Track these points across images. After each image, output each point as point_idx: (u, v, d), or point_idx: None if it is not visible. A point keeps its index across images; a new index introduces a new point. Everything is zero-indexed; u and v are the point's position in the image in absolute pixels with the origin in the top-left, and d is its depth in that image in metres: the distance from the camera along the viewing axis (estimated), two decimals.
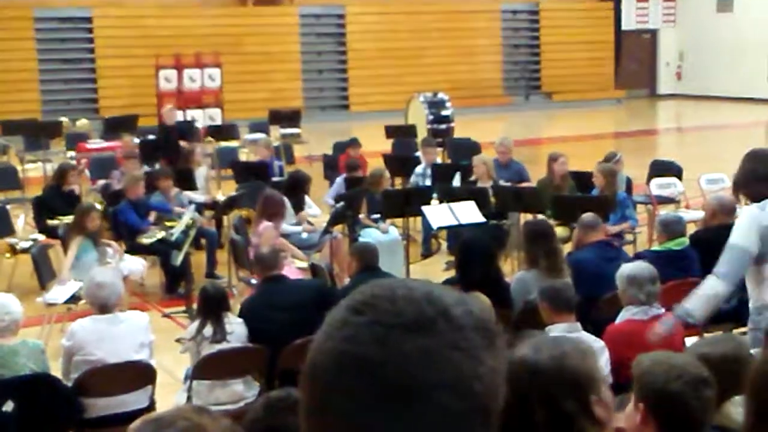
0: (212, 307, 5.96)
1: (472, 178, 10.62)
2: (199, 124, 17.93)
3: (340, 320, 1.12)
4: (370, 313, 1.10)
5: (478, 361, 1.10)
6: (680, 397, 2.71)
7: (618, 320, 5.56)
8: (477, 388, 1.09)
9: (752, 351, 3.29)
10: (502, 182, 10.56)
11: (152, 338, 5.90)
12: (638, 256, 7.10)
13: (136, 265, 8.98)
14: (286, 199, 9.20)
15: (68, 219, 9.83)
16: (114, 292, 5.76)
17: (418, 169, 11.71)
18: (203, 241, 10.26)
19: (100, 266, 8.21)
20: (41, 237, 9.78)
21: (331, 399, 1.10)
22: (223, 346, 5.86)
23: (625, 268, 5.58)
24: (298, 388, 1.16)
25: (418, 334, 1.08)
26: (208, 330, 5.88)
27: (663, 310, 5.52)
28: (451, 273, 8.36)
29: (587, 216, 7.36)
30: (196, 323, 6.00)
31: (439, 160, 13.17)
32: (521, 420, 2.22)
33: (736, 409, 2.88)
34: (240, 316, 6.24)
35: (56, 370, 5.65)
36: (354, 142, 12.89)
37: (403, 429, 1.07)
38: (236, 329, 5.97)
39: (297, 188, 9.94)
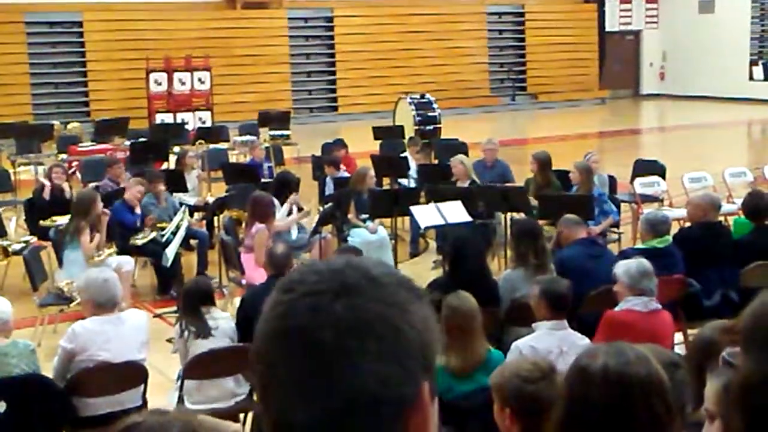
0: (192, 302, 6.01)
1: (453, 178, 10.76)
2: (189, 127, 18.05)
3: (273, 302, 1.19)
4: (298, 288, 1.17)
5: (405, 311, 1.16)
6: None
7: (618, 308, 5.68)
8: (410, 335, 1.15)
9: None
10: (485, 182, 10.73)
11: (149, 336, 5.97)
12: (623, 254, 7.19)
13: (126, 259, 9.06)
14: (275, 200, 9.29)
15: (60, 220, 9.95)
16: (118, 288, 5.79)
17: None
18: (194, 242, 10.36)
19: (86, 261, 8.32)
20: (33, 239, 9.84)
21: (277, 373, 1.15)
22: (211, 342, 5.88)
23: (631, 264, 5.71)
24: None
25: (346, 297, 1.14)
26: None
27: (660, 305, 5.67)
28: (440, 272, 8.49)
29: (570, 217, 7.46)
30: (181, 322, 6.04)
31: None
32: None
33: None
34: (241, 307, 6.30)
35: (48, 371, 5.63)
36: (339, 143, 13.11)
37: (343, 384, 1.12)
38: (221, 324, 5.99)
39: (285, 189, 10.04)
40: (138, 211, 9.74)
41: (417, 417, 1.16)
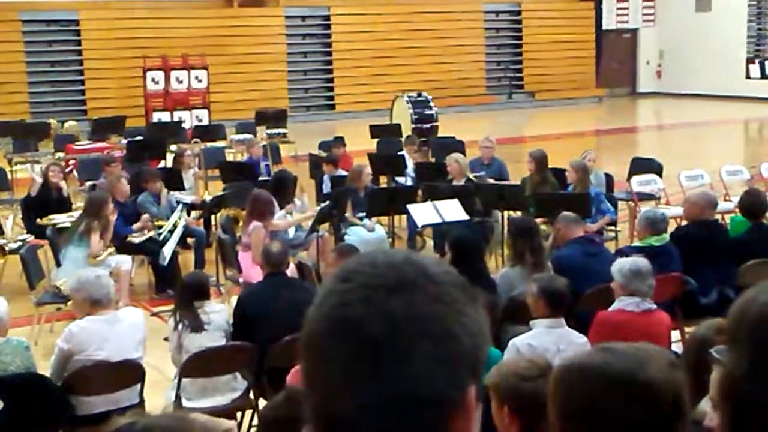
0: (187, 296, 6.03)
1: (449, 177, 10.76)
2: (186, 125, 18.05)
3: (329, 290, 1.19)
4: (355, 279, 1.17)
5: (461, 314, 1.16)
6: None
7: (610, 309, 5.68)
8: (461, 337, 1.15)
9: None
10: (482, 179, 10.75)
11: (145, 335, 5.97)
12: (620, 252, 7.20)
13: (124, 258, 9.07)
14: (273, 198, 9.29)
15: (58, 218, 9.96)
16: (112, 285, 5.79)
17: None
18: (191, 240, 10.36)
19: (87, 260, 8.35)
20: (30, 237, 9.84)
21: (326, 361, 1.15)
22: (204, 336, 5.90)
23: (625, 263, 5.67)
24: (299, 365, 1.23)
25: (401, 292, 1.14)
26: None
27: (655, 306, 5.65)
28: None
29: (568, 214, 7.45)
30: (176, 314, 6.07)
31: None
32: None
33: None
34: (238, 306, 6.31)
35: (44, 369, 5.63)
36: (338, 141, 13.14)
37: (392, 380, 1.12)
38: (214, 318, 6.00)
39: (283, 187, 10.05)
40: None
41: (461, 420, 1.16)
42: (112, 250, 9.00)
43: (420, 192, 10.25)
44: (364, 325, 1.13)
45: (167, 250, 9.08)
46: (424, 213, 9.27)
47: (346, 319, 1.14)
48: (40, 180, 10.67)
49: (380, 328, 1.13)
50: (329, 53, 25.66)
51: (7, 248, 9.43)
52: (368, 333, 1.13)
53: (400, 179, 12.21)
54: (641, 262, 5.67)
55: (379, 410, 1.13)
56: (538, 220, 8.29)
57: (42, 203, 10.31)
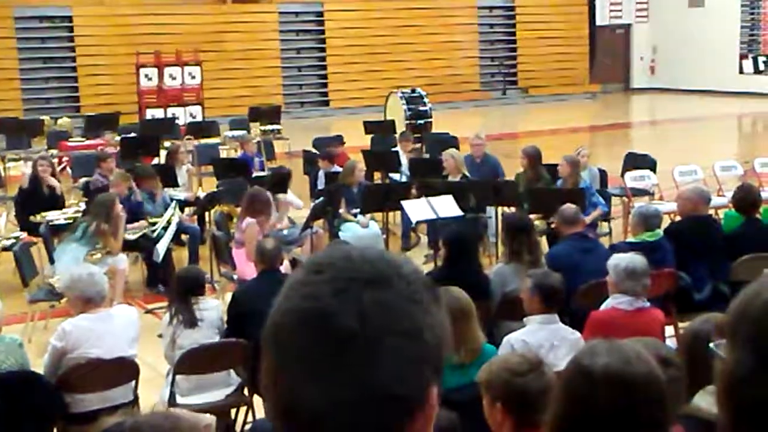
0: (183, 290, 6.04)
1: (444, 173, 10.76)
2: (180, 122, 18.03)
3: (300, 281, 1.16)
4: (328, 271, 1.14)
5: (429, 314, 1.15)
6: None
7: (603, 307, 5.66)
8: (428, 337, 1.14)
9: None
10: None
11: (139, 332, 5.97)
12: (613, 248, 7.21)
13: (120, 257, 9.05)
14: (271, 197, 9.27)
15: (51, 215, 9.94)
16: (105, 282, 5.79)
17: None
18: (185, 237, 10.35)
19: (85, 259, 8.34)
20: (23, 235, 9.82)
21: (292, 354, 1.12)
22: (197, 331, 5.91)
23: (621, 260, 5.62)
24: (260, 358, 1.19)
25: (375, 288, 1.13)
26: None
27: (648, 304, 5.63)
28: (431, 266, 8.50)
29: (567, 210, 7.41)
30: (171, 309, 6.08)
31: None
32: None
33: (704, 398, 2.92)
34: (232, 303, 6.31)
35: (37, 366, 5.62)
36: (337, 140, 13.18)
37: (360, 375, 1.10)
38: (207, 315, 6.01)
39: (280, 185, 10.05)
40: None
41: (422, 419, 1.15)
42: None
43: (414, 188, 10.24)
44: (335, 319, 1.11)
45: (161, 247, 9.07)
46: (418, 209, 9.27)
47: (317, 310, 1.11)
48: (29, 171, 10.64)
49: (352, 322, 1.10)
50: (323, 49, 25.64)
51: (0, 245, 9.41)
52: (339, 326, 1.10)
53: (395, 175, 12.20)
54: (638, 261, 5.61)
55: (346, 406, 1.10)
56: (531, 216, 8.29)
57: (35, 200, 10.29)
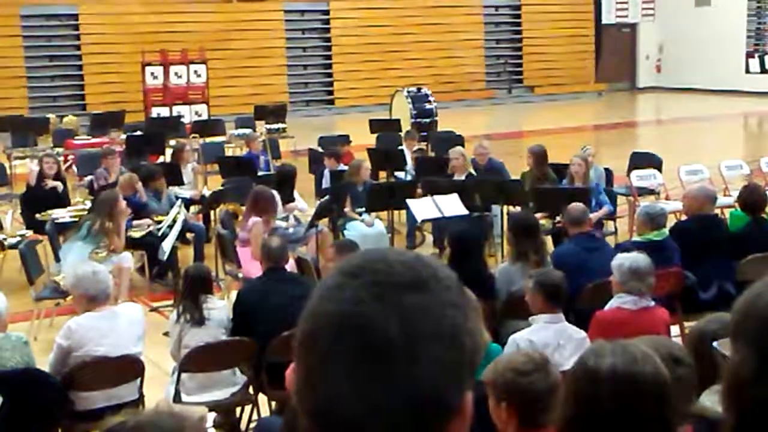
0: (193, 287, 6.03)
1: (450, 171, 10.73)
2: (186, 120, 18.03)
3: (337, 284, 1.14)
4: (366, 275, 1.12)
5: (467, 318, 1.14)
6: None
7: (607, 307, 5.64)
8: (467, 342, 1.13)
9: None
10: None
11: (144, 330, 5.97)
12: (619, 247, 7.20)
13: (125, 255, 9.06)
14: (277, 196, 9.27)
15: (56, 213, 9.96)
16: (110, 280, 5.78)
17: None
18: (190, 235, 10.35)
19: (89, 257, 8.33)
20: (29, 233, 9.84)
21: (331, 358, 1.10)
22: (203, 330, 5.91)
23: (625, 260, 5.60)
24: (293, 361, 1.17)
25: (414, 292, 1.11)
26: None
27: (653, 303, 5.61)
28: None
29: (575, 210, 7.38)
30: (179, 306, 6.08)
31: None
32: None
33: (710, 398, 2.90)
34: (237, 301, 6.31)
35: (43, 364, 5.61)
36: (344, 139, 13.21)
37: (400, 381, 1.09)
38: (215, 314, 6.01)
39: (286, 183, 10.05)
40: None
41: (459, 426, 1.14)
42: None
43: (419, 187, 10.23)
44: (376, 323, 1.09)
45: (166, 245, 9.07)
46: (423, 208, 9.26)
47: (359, 315, 1.10)
48: (36, 168, 10.65)
49: (393, 327, 1.09)
50: (329, 48, 25.65)
51: (6, 243, 9.43)
52: (380, 332, 1.09)
53: (400, 174, 12.19)
54: (642, 260, 5.59)
55: (385, 411, 1.09)
56: (537, 215, 8.28)
57: (41, 198, 10.31)
